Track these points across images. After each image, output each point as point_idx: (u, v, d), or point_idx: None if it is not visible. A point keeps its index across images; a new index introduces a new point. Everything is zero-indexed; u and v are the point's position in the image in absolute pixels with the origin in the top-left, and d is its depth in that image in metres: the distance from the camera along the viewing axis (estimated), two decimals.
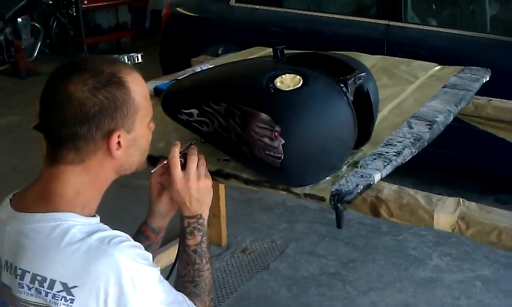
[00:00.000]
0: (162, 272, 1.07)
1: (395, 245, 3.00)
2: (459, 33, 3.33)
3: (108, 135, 1.04)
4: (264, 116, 1.25)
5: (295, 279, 2.76)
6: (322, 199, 1.29)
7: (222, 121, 1.34)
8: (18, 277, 1.01)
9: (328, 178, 1.33)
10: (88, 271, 0.97)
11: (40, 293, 1.00)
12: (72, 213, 1.03)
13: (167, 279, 1.11)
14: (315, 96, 1.27)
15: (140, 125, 1.09)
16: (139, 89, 1.08)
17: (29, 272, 1.01)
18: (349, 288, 2.69)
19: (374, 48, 3.10)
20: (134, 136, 1.08)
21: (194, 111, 1.40)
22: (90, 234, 1.00)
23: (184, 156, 1.23)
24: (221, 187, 2.80)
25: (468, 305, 2.58)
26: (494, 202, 3.22)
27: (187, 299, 1.12)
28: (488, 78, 2.17)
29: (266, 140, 1.25)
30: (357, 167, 1.38)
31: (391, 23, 3.45)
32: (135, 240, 1.29)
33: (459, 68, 2.25)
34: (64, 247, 0.99)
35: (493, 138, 2.25)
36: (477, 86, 2.07)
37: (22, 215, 1.05)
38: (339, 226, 1.31)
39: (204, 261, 1.22)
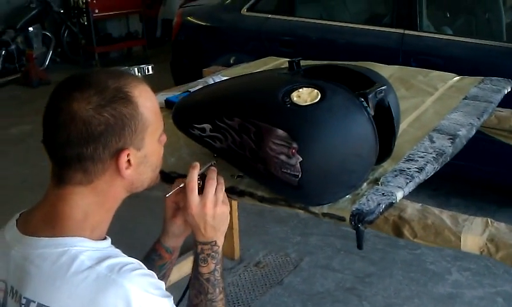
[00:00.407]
0: (172, 287, 1.00)
1: (413, 260, 2.92)
2: (475, 42, 3.26)
3: (116, 154, 0.97)
4: (280, 132, 1.19)
5: (310, 294, 2.69)
6: (342, 219, 1.23)
7: (236, 137, 1.28)
8: (23, 306, 0.95)
9: (347, 196, 1.27)
10: (97, 302, 0.91)
11: None
12: (81, 238, 0.97)
13: (177, 304, 1.05)
14: (334, 111, 1.21)
15: (150, 141, 1.02)
16: (147, 103, 1.00)
17: (34, 301, 0.94)
18: (366, 304, 2.61)
19: (388, 57, 3.04)
20: (144, 153, 1.02)
21: (207, 126, 1.35)
22: (99, 261, 0.94)
23: (203, 177, 1.16)
24: None
25: None
26: None
27: None
28: (509, 89, 2.09)
29: (283, 157, 1.19)
30: (378, 184, 1.32)
31: (406, 31, 3.38)
32: (148, 258, 1.26)
33: (479, 78, 2.18)
34: (71, 276, 0.92)
35: None
36: (499, 97, 2.00)
37: (28, 239, 0.99)
38: (360, 247, 1.25)
39: (217, 290, 1.15)
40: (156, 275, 0.99)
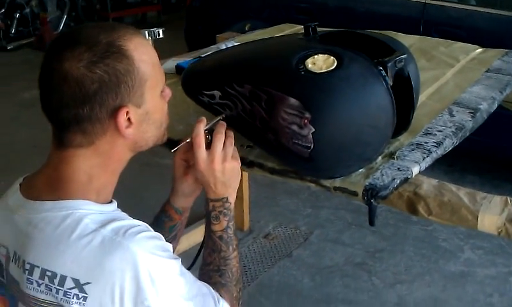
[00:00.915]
0: (181, 256, 0.96)
1: (425, 236, 2.87)
2: (499, 13, 3.15)
3: (114, 112, 0.92)
4: (292, 100, 1.13)
5: (319, 268, 2.66)
6: (354, 193, 1.17)
7: (246, 105, 1.22)
8: (27, 272, 0.92)
9: (361, 170, 1.21)
10: (102, 266, 0.87)
11: (51, 290, 0.90)
12: (85, 201, 0.93)
13: (189, 268, 1.02)
14: (351, 80, 1.14)
15: (151, 97, 0.96)
16: (144, 56, 0.94)
17: (38, 266, 0.91)
18: (375, 280, 2.57)
19: (409, 27, 2.93)
20: (146, 110, 0.96)
21: (217, 93, 1.29)
22: (104, 224, 0.90)
23: (211, 132, 1.10)
24: None
25: (501, 302, 2.44)
26: None
27: (211, 289, 1.01)
28: None
29: (294, 127, 1.13)
30: (393, 158, 1.26)
31: (428, 1, 3.27)
32: (158, 220, 1.22)
33: (503, 51, 2.09)
34: (75, 240, 0.89)
35: None
36: None
37: (31, 204, 0.95)
38: (372, 223, 1.19)
39: (231, 248, 1.11)
40: (163, 238, 0.96)
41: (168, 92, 1.03)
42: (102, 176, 0.96)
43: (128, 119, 0.93)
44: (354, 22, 3.25)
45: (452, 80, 1.79)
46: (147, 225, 0.95)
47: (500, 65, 1.94)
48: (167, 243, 0.95)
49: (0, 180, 3.23)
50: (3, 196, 1.04)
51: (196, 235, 2.38)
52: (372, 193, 1.15)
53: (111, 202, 0.98)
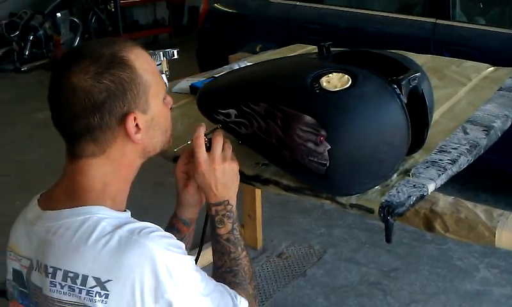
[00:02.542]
0: None
1: (440, 255, 2.85)
2: (509, 32, 3.15)
3: (123, 119, 0.98)
4: (308, 118, 1.14)
5: (333, 287, 2.64)
6: (370, 211, 1.18)
7: (262, 123, 1.24)
8: (50, 275, 0.96)
9: (376, 187, 1.22)
10: (121, 263, 0.91)
11: (74, 290, 0.94)
12: (102, 207, 0.98)
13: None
14: (366, 98, 1.15)
15: (155, 103, 1.03)
16: (145, 65, 1.01)
17: (61, 269, 0.95)
18: (390, 299, 2.55)
19: (419, 47, 2.94)
20: (151, 116, 1.02)
21: (232, 112, 1.31)
22: (120, 226, 0.95)
23: (209, 140, 1.17)
24: None
25: None
26: None
27: (228, 288, 1.05)
28: None
29: (310, 145, 1.14)
30: (409, 175, 1.26)
31: (438, 21, 3.29)
32: None
33: None
34: (94, 241, 0.93)
35: None
36: None
37: (49, 213, 1.00)
38: (389, 240, 1.19)
39: (239, 248, 1.15)
40: (175, 237, 1.00)
41: (170, 99, 1.09)
42: (115, 183, 1.01)
43: (136, 125, 1.00)
44: (365, 43, 3.24)
45: (465, 98, 1.80)
46: (158, 227, 0.99)
47: None
48: (179, 242, 1.00)
49: (16, 200, 3.28)
50: (22, 212, 1.08)
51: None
52: (388, 210, 1.16)
53: (125, 211, 1.03)
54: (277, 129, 1.20)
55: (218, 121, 1.36)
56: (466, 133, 1.51)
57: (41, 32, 6.55)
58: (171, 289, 0.92)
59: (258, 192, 2.81)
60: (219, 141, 1.15)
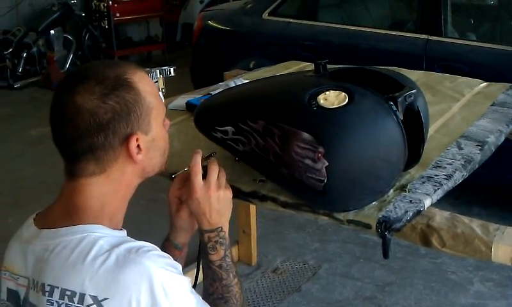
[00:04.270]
0: None
1: (434, 269, 2.86)
2: (500, 48, 3.20)
3: (126, 140, 0.99)
4: (306, 135, 1.16)
5: (328, 302, 2.65)
6: (368, 226, 1.19)
7: (259, 140, 1.25)
8: (47, 293, 0.96)
9: (373, 202, 1.23)
10: (117, 281, 0.91)
11: None
12: (100, 225, 0.98)
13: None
14: (362, 115, 1.17)
15: (156, 125, 1.05)
16: (148, 87, 1.03)
17: (58, 287, 0.95)
18: None
19: (412, 63, 2.98)
20: (152, 137, 1.04)
21: (230, 129, 1.32)
22: (118, 245, 0.95)
23: (204, 168, 1.18)
24: None
25: None
26: None
27: None
28: None
29: (308, 162, 1.16)
30: (405, 191, 1.28)
31: (430, 37, 3.33)
32: None
33: (507, 85, 2.12)
34: (92, 260, 0.93)
35: None
36: None
37: (46, 232, 1.00)
38: (386, 255, 1.21)
39: (231, 275, 1.15)
40: (172, 258, 1.00)
41: (168, 122, 1.11)
42: (113, 203, 1.02)
43: (138, 146, 1.01)
44: (358, 59, 3.30)
45: (459, 114, 1.82)
46: (155, 246, 1.00)
47: (505, 99, 1.97)
48: (176, 262, 1.00)
49: (8, 216, 3.27)
50: (17, 231, 1.08)
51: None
52: (385, 226, 1.17)
53: (121, 230, 1.03)
54: (275, 146, 1.21)
55: (216, 138, 1.37)
56: (460, 148, 1.53)
57: (34, 49, 6.56)
58: None
59: (253, 208, 2.81)
60: (214, 169, 1.16)
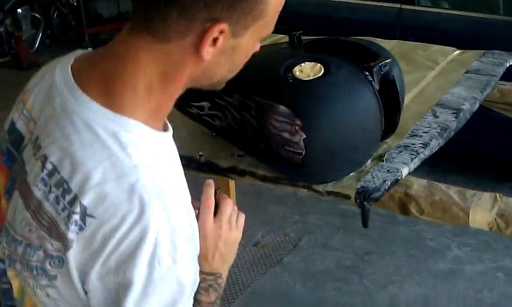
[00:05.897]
0: None
1: (412, 236, 2.91)
2: (472, 15, 3.22)
3: (211, 23, 0.77)
4: (282, 108, 1.15)
5: (310, 273, 2.68)
6: (347, 197, 1.19)
7: (236, 115, 1.24)
8: (45, 171, 0.79)
9: (351, 173, 1.23)
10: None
11: (58, 204, 0.76)
12: (139, 122, 0.79)
13: None
14: (338, 86, 1.17)
15: (250, 36, 0.82)
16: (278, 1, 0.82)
17: (60, 173, 0.77)
18: (366, 282, 2.60)
19: (385, 32, 2.97)
20: (236, 44, 0.81)
21: (206, 104, 1.30)
22: (157, 195, 0.75)
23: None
24: None
25: (491, 298, 2.49)
26: (510, 190, 3.12)
27: None
28: (511, 63, 2.05)
29: (285, 134, 1.15)
30: (382, 161, 1.28)
31: (403, 6, 3.33)
32: None
33: (480, 52, 2.13)
34: (114, 180, 0.74)
35: None
36: (501, 70, 1.96)
37: (79, 94, 0.80)
38: (365, 225, 1.22)
39: None
40: None
41: (258, 46, 0.90)
42: (159, 94, 0.82)
43: (215, 40, 0.79)
44: (331, 30, 3.27)
45: (433, 82, 1.82)
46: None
47: (479, 66, 1.98)
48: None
49: None
50: (54, 61, 0.88)
51: None
52: (364, 196, 1.17)
53: (166, 130, 0.86)
54: (252, 120, 1.20)
55: (191, 114, 1.36)
56: (436, 116, 1.54)
57: (1, 29, 6.38)
58: None
59: (232, 183, 2.80)
60: (228, 204, 0.98)
